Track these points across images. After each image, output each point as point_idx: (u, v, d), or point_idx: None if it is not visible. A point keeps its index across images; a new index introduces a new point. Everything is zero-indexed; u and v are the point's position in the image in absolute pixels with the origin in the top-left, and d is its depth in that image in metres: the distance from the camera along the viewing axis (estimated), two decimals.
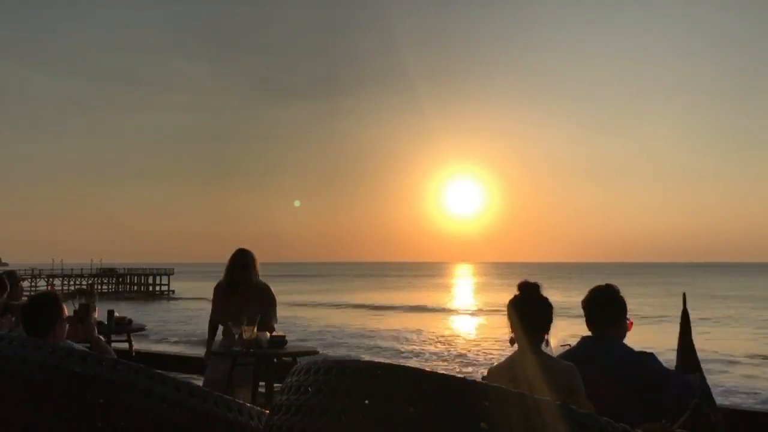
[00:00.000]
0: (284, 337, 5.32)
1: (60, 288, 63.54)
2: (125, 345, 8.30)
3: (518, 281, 2.88)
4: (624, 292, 3.29)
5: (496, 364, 2.93)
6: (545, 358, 2.74)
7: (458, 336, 30.24)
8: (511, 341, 2.95)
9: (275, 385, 5.23)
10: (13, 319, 5.13)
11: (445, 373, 1.65)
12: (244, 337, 5.17)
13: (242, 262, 5.46)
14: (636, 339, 3.27)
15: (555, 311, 2.83)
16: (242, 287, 5.48)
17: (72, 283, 69.45)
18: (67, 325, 3.44)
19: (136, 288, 73.94)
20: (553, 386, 2.59)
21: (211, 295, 5.76)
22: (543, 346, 2.81)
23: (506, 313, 2.84)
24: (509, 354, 2.95)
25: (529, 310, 2.80)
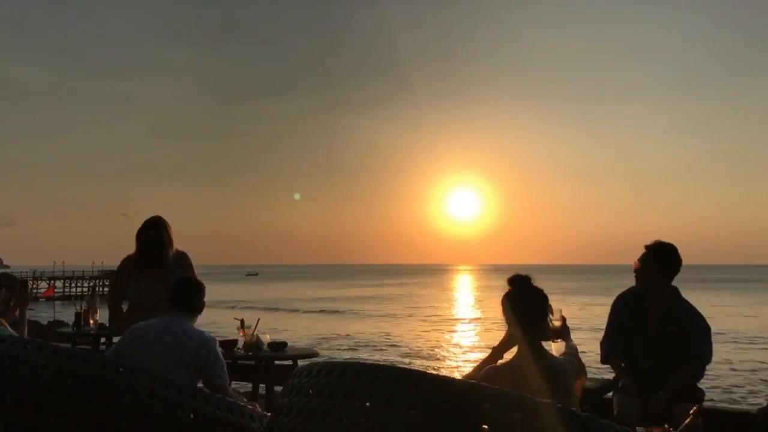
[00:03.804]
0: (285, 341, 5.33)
1: (61, 290, 63.55)
2: None
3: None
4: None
5: (495, 364, 2.84)
6: (548, 359, 2.68)
7: (459, 339, 30.23)
8: (508, 339, 2.90)
9: (275, 387, 5.24)
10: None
11: (445, 375, 1.66)
12: (244, 340, 5.18)
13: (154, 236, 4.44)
14: None
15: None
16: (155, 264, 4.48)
17: (73, 285, 69.45)
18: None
19: None
20: (555, 388, 2.55)
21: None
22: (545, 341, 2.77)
23: (501, 309, 2.79)
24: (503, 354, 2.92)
25: (523, 302, 2.73)
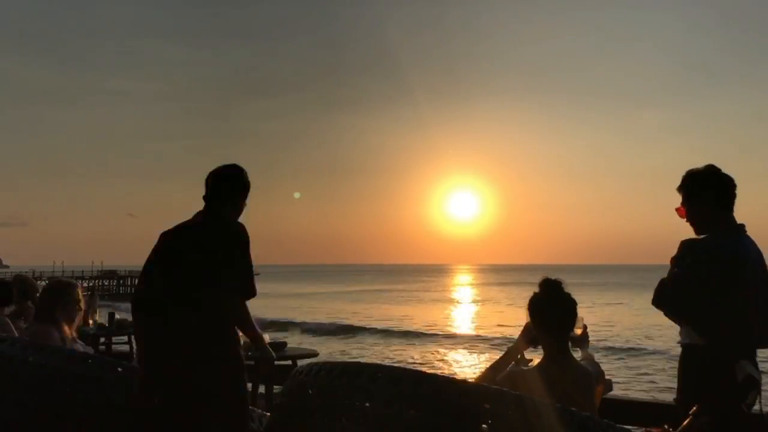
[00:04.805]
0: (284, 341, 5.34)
1: None
2: (126, 347, 8.32)
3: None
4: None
5: (522, 366, 2.77)
6: (575, 365, 2.64)
7: (460, 339, 30.25)
8: (533, 342, 2.84)
9: (275, 387, 5.25)
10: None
11: (445, 375, 1.66)
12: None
13: None
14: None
15: None
16: None
17: None
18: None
19: None
20: (580, 392, 2.52)
21: None
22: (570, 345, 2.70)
23: (527, 312, 2.72)
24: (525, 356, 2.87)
25: (554, 310, 2.67)
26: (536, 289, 2.71)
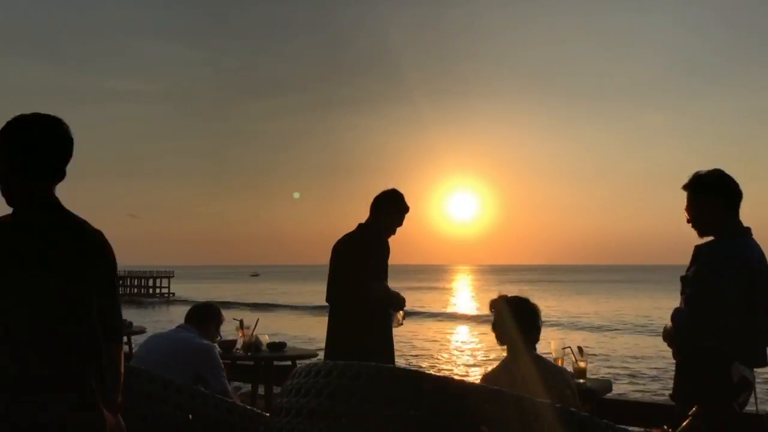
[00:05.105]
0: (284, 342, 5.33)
1: None
2: (125, 348, 8.33)
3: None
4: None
5: (490, 369, 2.98)
6: (539, 359, 2.81)
7: (459, 339, 30.25)
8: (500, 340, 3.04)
9: (275, 387, 5.24)
10: None
11: (445, 375, 1.66)
12: (243, 340, 5.18)
13: None
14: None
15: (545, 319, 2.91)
16: None
17: None
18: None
19: (136, 290, 73.79)
20: (549, 387, 2.64)
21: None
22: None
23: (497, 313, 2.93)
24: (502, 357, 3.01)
25: (520, 309, 2.89)
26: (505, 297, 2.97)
